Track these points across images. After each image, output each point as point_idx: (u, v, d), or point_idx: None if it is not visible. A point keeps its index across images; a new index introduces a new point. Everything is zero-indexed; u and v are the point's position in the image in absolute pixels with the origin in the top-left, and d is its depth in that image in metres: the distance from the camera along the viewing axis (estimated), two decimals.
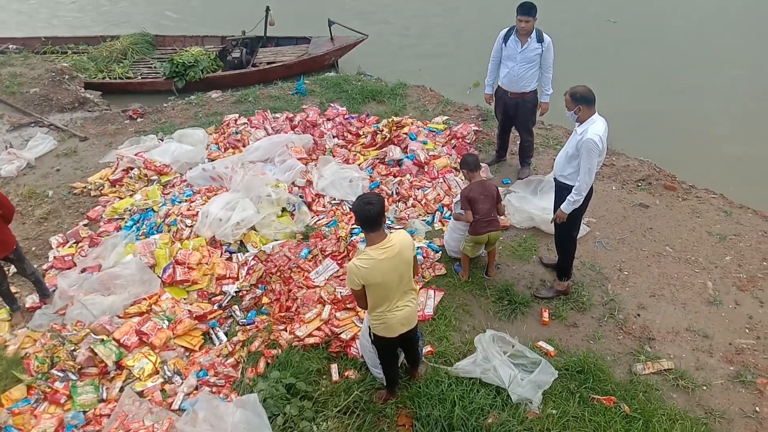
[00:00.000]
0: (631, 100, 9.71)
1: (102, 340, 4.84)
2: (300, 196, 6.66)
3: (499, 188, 5.39)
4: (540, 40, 6.14)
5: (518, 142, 7.08)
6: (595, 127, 4.55)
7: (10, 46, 11.75)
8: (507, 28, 6.32)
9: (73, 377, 4.68)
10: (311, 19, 12.75)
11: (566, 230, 5.10)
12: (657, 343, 5.02)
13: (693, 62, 11.23)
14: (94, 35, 12.42)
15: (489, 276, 5.60)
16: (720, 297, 5.46)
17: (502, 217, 5.69)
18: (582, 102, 4.56)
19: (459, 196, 5.41)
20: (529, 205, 6.28)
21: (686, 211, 6.61)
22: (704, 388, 4.64)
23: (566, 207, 4.84)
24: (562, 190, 4.94)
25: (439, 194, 6.59)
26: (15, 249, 5.28)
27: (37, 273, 5.60)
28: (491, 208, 5.18)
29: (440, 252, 5.90)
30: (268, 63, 11.06)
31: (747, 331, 5.13)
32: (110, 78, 10.85)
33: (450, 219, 5.72)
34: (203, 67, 10.63)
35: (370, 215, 3.58)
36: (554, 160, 7.36)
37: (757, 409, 4.47)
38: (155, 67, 11.25)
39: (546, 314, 5.24)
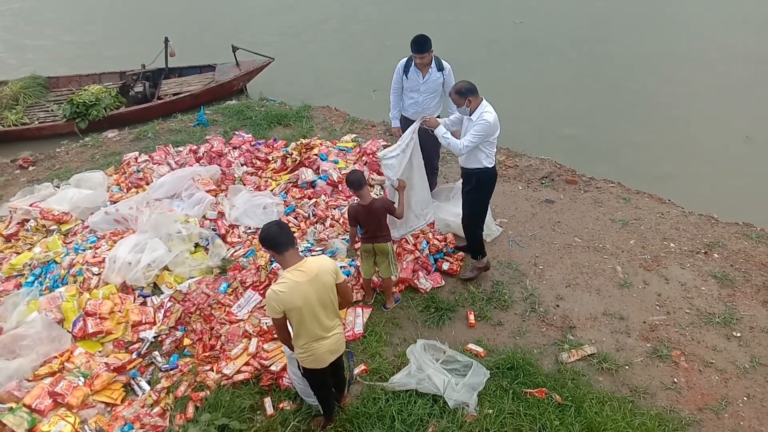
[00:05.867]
0: (531, 100, 10.18)
1: (11, 408, 4.45)
2: (213, 229, 6.45)
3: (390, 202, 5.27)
4: (440, 68, 6.04)
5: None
6: (487, 112, 4.98)
7: None
8: (405, 59, 6.11)
9: None
10: (213, 46, 12.52)
11: (471, 216, 5.58)
12: (578, 331, 5.24)
13: (588, 58, 11.97)
14: None
15: (386, 308, 5.48)
16: (629, 279, 5.78)
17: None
18: (469, 94, 4.98)
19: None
20: (444, 213, 6.39)
21: (589, 202, 6.98)
22: (626, 367, 4.88)
23: (438, 133, 5.19)
24: (468, 176, 5.38)
25: None
26: None
27: None
28: (377, 227, 5.05)
29: None
30: (174, 94, 10.70)
31: (658, 308, 5.45)
32: (3, 126, 10.13)
33: None
34: (106, 105, 10.11)
35: (276, 233, 3.55)
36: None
37: (675, 380, 4.75)
38: (52, 110, 10.61)
39: (472, 316, 5.34)
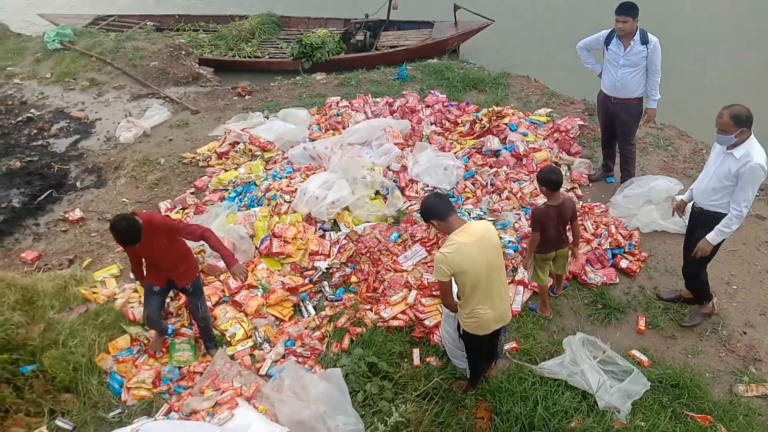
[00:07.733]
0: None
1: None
2: (394, 181, 6.67)
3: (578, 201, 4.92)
4: (645, 41, 5.65)
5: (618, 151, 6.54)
6: (758, 151, 4.14)
7: (148, 23, 12.51)
8: (609, 30, 5.90)
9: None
10: (433, 3, 12.56)
11: (702, 260, 4.62)
12: (763, 365, 4.67)
13: None
14: (223, 14, 12.96)
15: (554, 294, 5.26)
16: None
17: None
18: (745, 125, 4.10)
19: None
20: (647, 217, 6.05)
21: None
22: None
23: (714, 237, 4.37)
24: (707, 219, 4.46)
25: (536, 189, 6.37)
26: (195, 280, 4.70)
27: (209, 319, 4.93)
28: (559, 232, 4.62)
29: None
30: (391, 47, 11.12)
31: None
32: (240, 56, 11.31)
33: None
34: (329, 49, 10.87)
35: (437, 202, 3.74)
36: (665, 161, 7.03)
37: None
38: (281, 48, 11.64)
39: (642, 322, 4.99)
